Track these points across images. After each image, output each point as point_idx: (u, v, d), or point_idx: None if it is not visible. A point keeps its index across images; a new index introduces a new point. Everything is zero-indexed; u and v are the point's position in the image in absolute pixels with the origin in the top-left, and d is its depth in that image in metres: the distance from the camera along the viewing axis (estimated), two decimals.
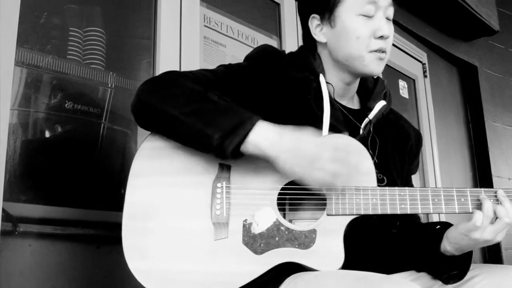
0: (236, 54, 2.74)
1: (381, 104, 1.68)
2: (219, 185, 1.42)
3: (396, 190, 1.43)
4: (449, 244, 1.45)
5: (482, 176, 4.83)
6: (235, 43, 2.80)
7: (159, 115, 1.40)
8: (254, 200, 1.41)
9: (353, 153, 1.44)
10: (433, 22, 4.51)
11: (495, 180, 4.75)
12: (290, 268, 1.38)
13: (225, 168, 1.44)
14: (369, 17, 1.55)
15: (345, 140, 1.48)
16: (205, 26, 2.67)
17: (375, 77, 1.69)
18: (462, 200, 1.43)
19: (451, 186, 4.27)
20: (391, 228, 1.61)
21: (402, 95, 4.23)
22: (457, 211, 1.42)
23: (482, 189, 1.44)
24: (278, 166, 1.35)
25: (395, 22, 4.03)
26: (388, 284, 1.18)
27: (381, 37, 1.56)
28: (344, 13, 1.57)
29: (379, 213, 1.42)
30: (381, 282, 1.20)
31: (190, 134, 1.37)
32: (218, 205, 1.40)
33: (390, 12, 1.60)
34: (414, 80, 4.40)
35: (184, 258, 1.37)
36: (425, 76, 4.49)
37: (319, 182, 1.34)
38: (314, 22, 1.64)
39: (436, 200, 1.43)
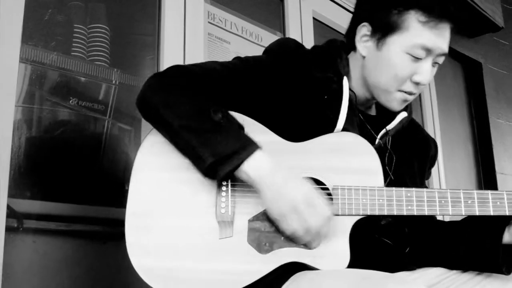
0: (240, 50, 2.73)
1: (402, 115, 1.61)
2: (224, 182, 1.40)
3: (403, 190, 1.41)
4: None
5: (486, 173, 4.82)
6: (239, 40, 2.79)
7: (159, 119, 1.38)
8: (260, 198, 1.38)
9: (361, 154, 1.44)
10: None
11: (499, 177, 4.74)
12: (295, 267, 1.37)
13: None
14: (417, 58, 1.47)
15: (351, 138, 1.47)
16: (209, 22, 2.66)
17: None
18: (469, 202, 1.41)
19: (456, 183, 4.27)
20: (402, 227, 1.59)
21: None
22: (463, 213, 1.41)
23: (489, 191, 1.42)
24: (263, 200, 1.34)
25: None
26: (391, 283, 1.17)
27: (418, 83, 1.49)
28: (395, 44, 1.47)
29: (385, 213, 1.41)
30: (384, 280, 1.19)
31: (184, 148, 1.36)
32: (223, 203, 1.39)
33: (441, 59, 1.53)
34: None
35: (188, 256, 1.35)
36: None
37: (288, 232, 1.34)
38: (363, 30, 1.54)
39: (443, 201, 1.41)
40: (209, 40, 2.65)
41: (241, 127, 1.41)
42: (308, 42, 3.10)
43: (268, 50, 1.60)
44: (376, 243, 1.55)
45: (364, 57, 1.55)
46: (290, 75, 1.53)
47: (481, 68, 4.96)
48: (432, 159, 1.74)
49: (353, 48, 1.60)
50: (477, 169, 4.87)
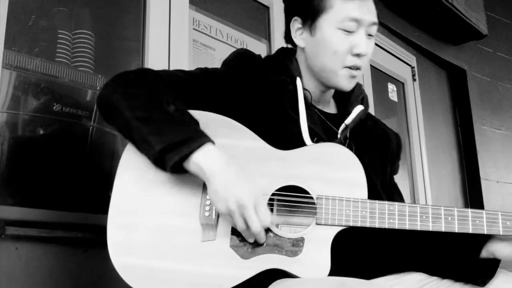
0: (225, 57, 2.73)
1: (358, 108, 1.67)
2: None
3: (386, 204, 1.43)
4: (488, 255, 1.48)
5: (470, 179, 4.86)
6: (224, 46, 2.80)
7: (116, 114, 1.39)
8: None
9: (345, 166, 1.45)
10: (422, 26, 4.53)
11: (483, 183, 4.77)
12: (276, 275, 1.38)
13: None
14: (349, 32, 1.54)
15: (337, 149, 1.48)
16: (194, 29, 2.67)
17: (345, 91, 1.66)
18: (449, 219, 1.43)
19: (440, 189, 4.29)
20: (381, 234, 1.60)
21: (391, 98, 4.25)
22: (443, 229, 1.43)
23: (469, 209, 1.44)
24: (208, 191, 1.34)
25: (384, 25, 4.07)
26: None
27: (358, 54, 1.55)
28: (325, 24, 1.55)
29: (368, 226, 1.42)
30: (361, 287, 1.20)
31: (138, 139, 1.36)
32: (208, 206, 1.39)
33: (373, 29, 1.59)
34: (403, 84, 4.42)
35: (169, 257, 1.35)
36: (414, 80, 4.51)
37: (231, 222, 1.35)
38: (295, 24, 1.64)
39: (424, 217, 1.42)
40: (194, 46, 2.65)
41: (194, 120, 1.41)
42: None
43: (225, 62, 1.67)
44: (357, 251, 1.56)
45: (303, 48, 1.63)
46: (249, 81, 1.57)
47: (465, 75, 5.00)
48: (393, 153, 1.76)
49: (294, 50, 1.69)
50: (462, 175, 4.90)
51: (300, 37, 1.63)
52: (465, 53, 5.04)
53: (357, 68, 1.57)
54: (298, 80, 1.60)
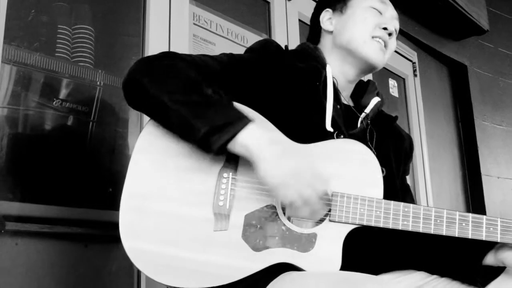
0: (225, 52, 2.72)
1: (376, 100, 1.70)
2: (225, 175, 1.39)
3: (401, 205, 1.41)
4: (497, 262, 1.46)
5: (471, 175, 4.85)
6: (224, 41, 2.79)
7: (148, 98, 1.35)
8: (259, 195, 1.39)
9: (362, 164, 1.45)
10: (423, 22, 4.52)
11: (484, 179, 4.77)
12: (286, 268, 1.37)
13: (232, 157, 1.40)
14: (379, 12, 1.66)
15: (356, 146, 1.47)
16: (194, 24, 2.66)
17: (375, 66, 1.68)
18: (463, 224, 1.41)
19: (441, 185, 4.28)
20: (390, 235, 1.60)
21: (392, 94, 4.24)
22: (457, 235, 1.41)
23: (484, 216, 1.42)
24: (257, 170, 1.32)
25: None
26: (371, 284, 1.18)
27: (385, 29, 1.64)
28: (357, 3, 1.68)
29: (381, 226, 1.41)
30: (364, 281, 1.19)
31: (177, 123, 1.33)
32: (222, 196, 1.37)
33: (397, 24, 1.70)
34: (404, 79, 4.42)
35: (180, 244, 1.33)
36: (415, 75, 4.51)
37: (286, 200, 1.32)
38: (326, 15, 1.73)
39: (438, 221, 1.40)
40: (194, 41, 2.64)
41: (231, 102, 1.39)
42: (294, 44, 3.09)
43: (251, 49, 1.63)
44: (362, 247, 1.55)
45: (331, 32, 1.71)
46: (276, 68, 1.55)
47: (466, 71, 5.00)
48: (406, 150, 1.77)
49: (317, 42, 1.76)
50: (463, 171, 4.90)
51: (329, 23, 1.72)
52: (466, 49, 5.03)
53: (385, 43, 1.65)
54: (328, 66, 1.62)
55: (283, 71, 1.56)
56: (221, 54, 1.57)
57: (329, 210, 1.41)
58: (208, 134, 1.28)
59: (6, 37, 1.92)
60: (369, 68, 1.67)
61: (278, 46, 1.64)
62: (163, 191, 1.37)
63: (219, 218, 1.37)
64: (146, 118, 1.56)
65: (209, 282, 1.33)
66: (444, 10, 4.31)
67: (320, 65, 1.61)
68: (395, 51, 4.21)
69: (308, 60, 1.62)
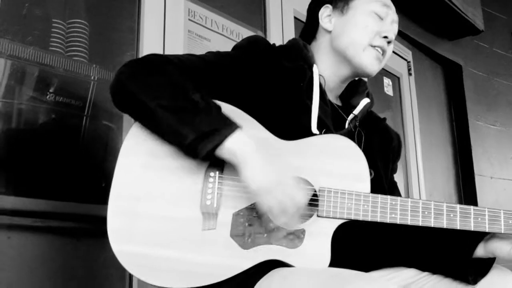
0: (220, 48, 2.67)
1: (365, 101, 1.69)
2: (212, 174, 1.39)
3: (388, 198, 1.42)
4: (487, 253, 1.46)
5: (464, 174, 4.87)
6: (219, 37, 2.79)
7: (136, 103, 1.35)
8: (246, 193, 1.38)
9: (349, 159, 1.45)
10: (418, 21, 4.53)
11: (477, 178, 4.79)
12: (275, 265, 1.37)
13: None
14: (380, 18, 1.63)
15: (341, 141, 1.48)
16: (189, 20, 2.65)
17: (367, 75, 1.68)
18: (451, 215, 1.42)
19: (434, 184, 4.29)
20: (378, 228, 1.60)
21: (387, 92, 4.25)
22: (445, 226, 1.42)
23: (472, 206, 1.44)
24: (242, 174, 1.33)
25: None
26: (360, 281, 1.18)
27: (386, 37, 1.62)
28: (360, 6, 1.64)
29: (369, 220, 1.41)
30: (353, 278, 1.19)
31: (165, 129, 1.34)
32: (209, 195, 1.38)
33: (396, 28, 1.69)
34: (398, 78, 4.42)
35: (169, 245, 1.34)
36: (409, 74, 4.51)
37: (264, 207, 1.34)
38: (326, 11, 1.69)
39: (426, 213, 1.42)
40: (189, 37, 2.64)
41: (219, 107, 1.39)
42: None
43: (238, 46, 1.62)
44: (354, 243, 1.56)
45: (330, 32, 1.67)
46: (263, 66, 1.55)
47: (461, 71, 5.01)
48: (394, 149, 1.77)
49: (312, 38, 1.72)
50: (456, 171, 4.91)
51: (328, 22, 1.68)
52: (461, 49, 5.04)
53: (383, 52, 1.63)
54: (315, 66, 1.61)
55: (269, 70, 1.55)
56: (207, 52, 1.57)
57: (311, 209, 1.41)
58: (195, 141, 1.29)
59: (0, 31, 1.91)
60: (363, 75, 1.68)
61: (266, 43, 1.63)
62: (150, 192, 1.37)
63: (207, 217, 1.37)
64: None
65: (199, 281, 1.33)
66: (439, 9, 4.32)
67: (306, 64, 1.60)
68: None
69: (295, 59, 1.61)
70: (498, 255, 1.45)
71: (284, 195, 1.32)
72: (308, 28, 1.75)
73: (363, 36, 1.60)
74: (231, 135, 1.31)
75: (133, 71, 1.39)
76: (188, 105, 1.33)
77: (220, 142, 1.30)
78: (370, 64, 1.62)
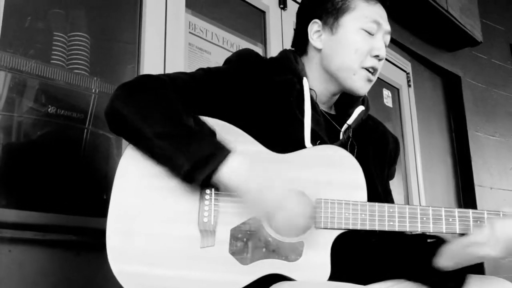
0: (220, 61, 2.69)
1: (360, 109, 1.68)
2: (207, 191, 1.40)
3: (386, 206, 1.43)
4: (447, 260, 1.43)
5: (464, 185, 4.86)
6: (220, 50, 2.80)
7: (131, 130, 1.37)
8: (243, 208, 1.39)
9: (345, 168, 1.46)
10: (417, 32, 4.54)
11: (477, 189, 4.78)
12: (275, 279, 1.37)
13: None
14: (370, 34, 1.58)
15: (335, 151, 1.48)
16: (190, 32, 2.67)
17: (359, 96, 1.67)
18: (450, 220, 1.42)
19: (434, 195, 4.29)
20: (370, 236, 1.60)
21: (386, 104, 4.26)
22: (444, 231, 1.42)
23: (470, 210, 1.43)
24: (244, 201, 1.36)
25: None
26: None
27: (377, 56, 1.58)
28: (349, 23, 1.59)
29: (367, 229, 1.41)
30: None
31: (160, 157, 1.36)
32: (206, 212, 1.38)
33: (387, 39, 1.64)
34: (398, 89, 4.43)
35: (168, 263, 1.35)
36: (409, 86, 4.52)
37: (274, 229, 1.37)
38: (314, 27, 1.64)
39: (424, 218, 1.42)
40: (190, 50, 2.65)
41: (213, 133, 1.41)
42: None
43: (228, 61, 1.64)
44: (354, 256, 1.55)
45: (320, 50, 1.63)
46: (253, 80, 1.55)
47: (460, 82, 5.02)
48: (391, 154, 1.77)
49: (303, 52, 1.68)
50: (456, 182, 4.91)
51: (318, 39, 1.63)
52: (460, 60, 5.06)
53: (374, 72, 1.60)
54: (304, 79, 1.60)
55: (258, 84, 1.56)
56: (198, 70, 1.58)
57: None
58: (191, 170, 1.31)
59: (1, 44, 1.92)
60: (352, 94, 1.66)
61: (256, 56, 1.64)
62: (147, 212, 1.38)
63: (205, 234, 1.37)
64: None
65: None
66: (438, 21, 4.34)
67: (296, 78, 1.60)
68: (389, 61, 4.24)
69: (284, 72, 1.61)
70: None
71: (290, 213, 1.33)
72: (298, 40, 1.71)
73: (353, 60, 1.57)
74: (225, 161, 1.32)
75: (127, 97, 1.40)
76: (182, 132, 1.35)
77: (215, 169, 1.31)
78: (361, 87, 1.60)
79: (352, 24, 1.58)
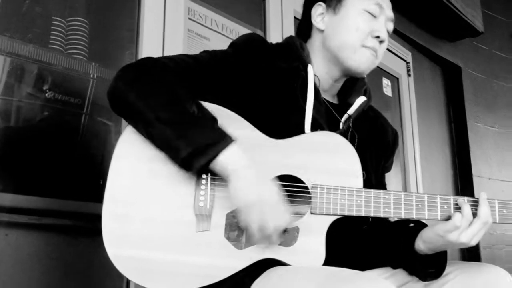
0: (219, 47, 2.70)
1: (361, 99, 1.68)
2: (204, 176, 1.40)
3: (381, 193, 1.43)
4: (423, 244, 1.46)
5: (462, 175, 4.87)
6: (219, 37, 2.79)
7: (133, 112, 1.37)
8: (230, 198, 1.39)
9: (341, 154, 1.46)
10: (418, 22, 4.53)
11: (475, 180, 4.79)
12: (270, 264, 1.37)
13: None
14: (373, 16, 1.59)
15: (332, 138, 1.48)
16: (189, 19, 2.66)
17: (359, 75, 1.67)
18: (445, 207, 1.44)
19: (432, 185, 4.30)
20: (363, 223, 1.61)
21: (386, 93, 4.25)
22: (439, 218, 1.43)
23: (466, 197, 1.45)
24: (229, 189, 1.34)
25: None
26: (359, 280, 1.18)
27: (378, 37, 1.58)
28: (351, 4, 1.61)
29: (363, 215, 1.42)
30: (352, 278, 1.19)
31: (160, 142, 1.36)
32: (202, 197, 1.38)
33: (390, 26, 1.64)
34: (398, 79, 4.43)
35: (164, 248, 1.35)
36: (409, 75, 4.52)
37: (243, 223, 1.35)
38: (318, 9, 1.66)
39: (419, 205, 1.43)
40: (189, 36, 2.64)
41: (214, 120, 1.40)
42: None
43: (234, 44, 1.62)
44: (351, 242, 1.56)
45: (323, 31, 1.65)
46: (258, 65, 1.55)
47: (460, 72, 5.01)
48: (388, 146, 1.77)
49: (308, 36, 1.70)
50: (454, 172, 4.92)
51: (321, 20, 1.65)
52: (461, 50, 5.05)
53: (375, 51, 1.60)
54: (309, 67, 1.60)
55: (263, 70, 1.55)
56: (202, 52, 1.57)
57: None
58: (190, 156, 1.30)
59: None
60: (355, 74, 1.66)
61: (262, 41, 1.64)
62: (143, 196, 1.38)
63: (201, 219, 1.37)
64: None
65: (194, 283, 1.34)
66: (439, 11, 4.32)
67: (301, 65, 1.60)
68: (390, 50, 4.23)
69: (290, 59, 1.61)
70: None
71: (264, 216, 1.31)
72: (303, 25, 1.73)
73: (354, 39, 1.58)
74: (225, 150, 1.32)
75: (130, 78, 1.40)
76: (185, 118, 1.34)
77: (214, 157, 1.31)
78: (362, 62, 1.60)
79: (355, 5, 1.60)
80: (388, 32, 1.64)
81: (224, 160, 1.32)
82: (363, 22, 1.58)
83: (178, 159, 1.32)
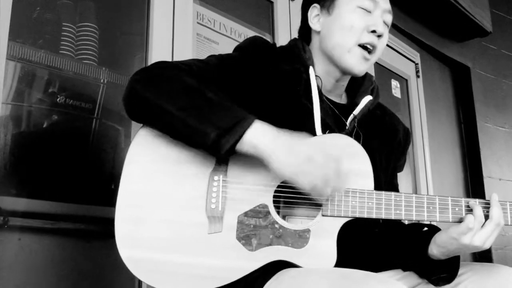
0: (228, 51, 2.72)
1: (367, 99, 1.67)
2: (216, 178, 1.41)
3: (392, 195, 1.43)
4: (437, 249, 1.46)
5: (473, 176, 4.85)
6: (227, 41, 2.80)
7: (153, 109, 1.37)
8: (251, 195, 1.40)
9: (352, 157, 1.45)
10: (426, 23, 4.52)
11: (486, 180, 4.77)
12: (281, 266, 1.38)
13: (222, 160, 1.42)
14: (367, 11, 1.57)
15: (346, 141, 1.49)
16: (198, 23, 2.67)
17: (356, 75, 1.66)
18: (456, 209, 1.43)
19: (443, 186, 4.29)
20: (374, 226, 1.61)
21: (395, 94, 4.25)
22: (450, 220, 1.43)
23: (477, 199, 1.44)
24: (271, 165, 1.33)
25: None
26: (372, 281, 1.18)
27: (374, 32, 1.57)
28: (344, 3, 1.59)
29: (374, 217, 1.42)
30: (365, 279, 1.20)
31: (185, 130, 1.35)
32: (214, 199, 1.39)
33: (388, 18, 1.62)
34: (406, 80, 4.42)
35: (176, 249, 1.36)
36: (417, 76, 4.51)
37: (308, 185, 1.33)
38: (314, 11, 1.66)
39: (431, 208, 1.43)
40: (198, 40, 2.65)
41: (232, 102, 1.40)
42: None
43: (240, 48, 1.64)
44: (363, 244, 1.56)
45: (319, 32, 1.65)
46: (262, 69, 1.55)
47: (469, 73, 4.99)
48: (399, 144, 1.76)
49: (308, 39, 1.70)
50: (465, 173, 4.90)
51: (317, 22, 1.65)
52: (469, 50, 5.03)
53: (372, 48, 1.58)
54: (311, 68, 1.60)
55: (267, 73, 1.56)
56: (210, 56, 1.58)
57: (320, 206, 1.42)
58: (218, 137, 1.30)
59: (11, 34, 1.93)
60: (352, 74, 1.65)
61: (266, 44, 1.64)
62: (155, 199, 1.39)
63: (213, 220, 1.38)
64: None
65: (206, 285, 1.35)
66: (447, 11, 4.31)
67: (303, 67, 1.60)
68: (398, 52, 4.22)
69: (293, 61, 1.61)
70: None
71: (319, 168, 1.31)
72: (303, 28, 1.74)
73: (348, 38, 1.57)
74: (250, 127, 1.32)
75: (146, 79, 1.41)
76: (205, 103, 1.35)
77: (241, 135, 1.31)
78: (355, 64, 1.58)
79: (348, 3, 1.59)
80: (386, 24, 1.62)
81: (253, 136, 1.32)
82: (357, 19, 1.57)
83: (208, 143, 1.31)
